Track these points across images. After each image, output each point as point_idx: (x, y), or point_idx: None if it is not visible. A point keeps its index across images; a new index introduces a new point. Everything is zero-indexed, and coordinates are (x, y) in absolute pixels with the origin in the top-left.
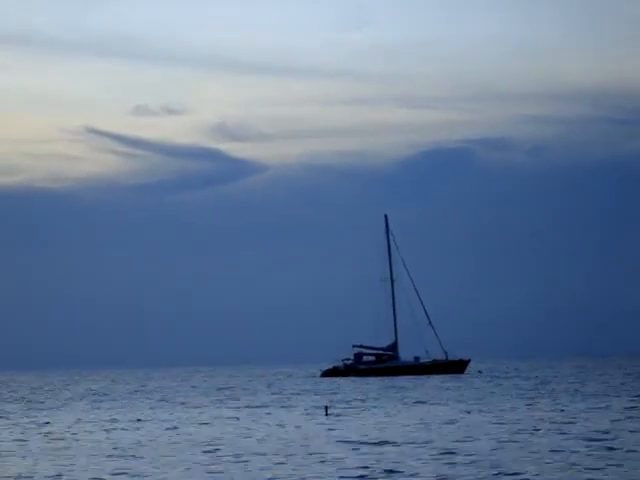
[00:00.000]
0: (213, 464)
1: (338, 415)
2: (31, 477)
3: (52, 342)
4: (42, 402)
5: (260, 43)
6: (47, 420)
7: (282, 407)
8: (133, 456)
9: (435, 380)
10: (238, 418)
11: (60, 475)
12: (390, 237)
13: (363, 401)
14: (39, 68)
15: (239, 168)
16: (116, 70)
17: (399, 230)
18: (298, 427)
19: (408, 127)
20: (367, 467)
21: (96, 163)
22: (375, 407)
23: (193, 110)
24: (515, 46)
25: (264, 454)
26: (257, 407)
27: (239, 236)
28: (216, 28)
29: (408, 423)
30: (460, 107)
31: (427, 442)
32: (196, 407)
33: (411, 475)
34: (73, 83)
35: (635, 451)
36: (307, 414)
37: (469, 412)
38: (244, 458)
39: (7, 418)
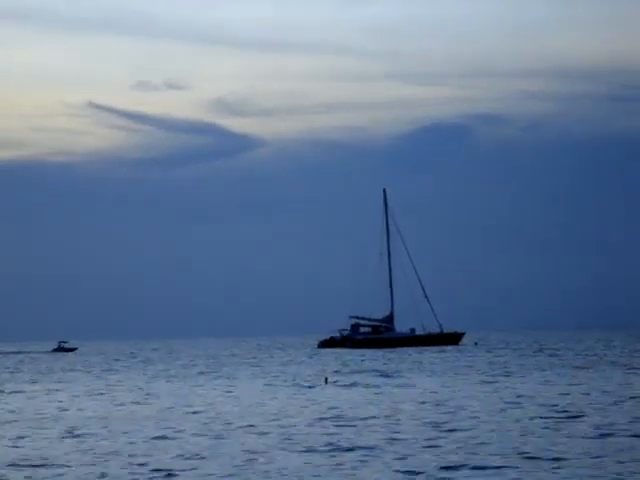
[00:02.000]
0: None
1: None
2: None
3: (55, 313)
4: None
5: (261, 19)
6: None
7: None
8: None
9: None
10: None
11: None
12: (388, 211)
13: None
14: (42, 44)
15: (240, 143)
16: (118, 46)
17: (398, 205)
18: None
19: (407, 103)
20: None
21: (98, 137)
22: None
23: (194, 85)
24: (513, 23)
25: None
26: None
27: (239, 210)
28: (218, 4)
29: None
30: (459, 83)
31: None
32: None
33: None
34: (76, 58)
35: None
36: (307, 384)
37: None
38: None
39: None
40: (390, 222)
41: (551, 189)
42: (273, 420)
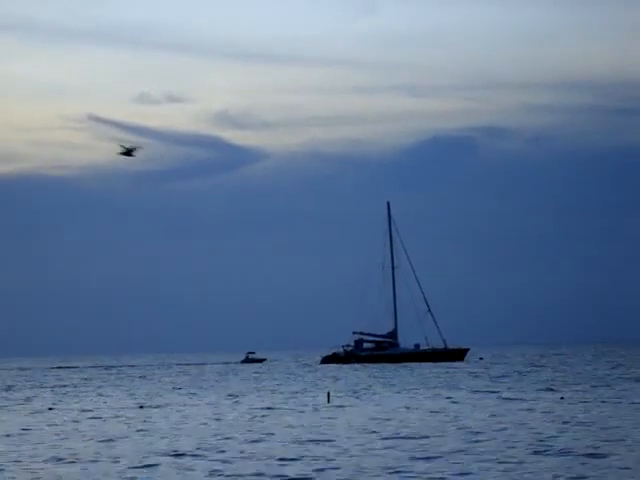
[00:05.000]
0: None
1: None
2: None
3: (52, 327)
4: None
5: (263, 31)
6: None
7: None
8: None
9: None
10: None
11: None
12: (392, 225)
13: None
14: (42, 56)
15: (241, 156)
16: (119, 58)
17: (401, 218)
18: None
19: (410, 115)
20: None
21: (99, 151)
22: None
23: (195, 98)
24: (517, 35)
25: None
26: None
27: (241, 223)
28: (219, 16)
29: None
30: (462, 96)
31: None
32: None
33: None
34: (76, 71)
35: None
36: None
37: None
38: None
39: None
40: (393, 235)
41: (556, 202)
42: None
